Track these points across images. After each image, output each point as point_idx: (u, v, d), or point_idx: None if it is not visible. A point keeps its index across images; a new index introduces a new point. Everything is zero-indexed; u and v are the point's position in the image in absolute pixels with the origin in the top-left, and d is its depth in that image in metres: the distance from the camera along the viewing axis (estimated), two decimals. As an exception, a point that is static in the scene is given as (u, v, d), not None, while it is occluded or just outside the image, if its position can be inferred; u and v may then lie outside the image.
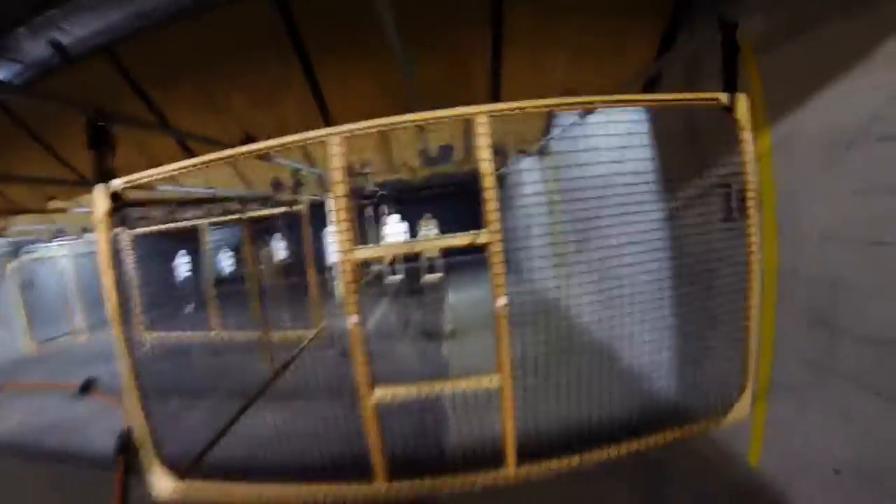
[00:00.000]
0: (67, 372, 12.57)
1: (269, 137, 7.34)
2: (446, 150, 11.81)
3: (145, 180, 3.84)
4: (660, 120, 6.59)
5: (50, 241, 17.48)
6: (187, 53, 6.31)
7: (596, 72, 6.60)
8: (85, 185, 6.91)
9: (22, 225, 13.65)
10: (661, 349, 5.75)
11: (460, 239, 3.53)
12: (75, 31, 7.78)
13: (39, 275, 17.92)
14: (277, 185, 12.56)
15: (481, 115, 3.48)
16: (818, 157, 4.13)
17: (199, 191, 10.33)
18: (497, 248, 3.45)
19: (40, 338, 16.66)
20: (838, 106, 3.93)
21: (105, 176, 3.83)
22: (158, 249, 19.53)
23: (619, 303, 4.86)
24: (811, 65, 4.12)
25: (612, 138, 5.12)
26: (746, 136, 3.95)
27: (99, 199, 3.77)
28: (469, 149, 12.07)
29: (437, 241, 3.64)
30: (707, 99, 3.95)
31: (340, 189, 3.41)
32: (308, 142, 3.52)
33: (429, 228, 20.72)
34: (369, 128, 3.53)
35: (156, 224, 13.33)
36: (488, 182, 3.45)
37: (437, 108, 5.45)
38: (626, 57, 6.38)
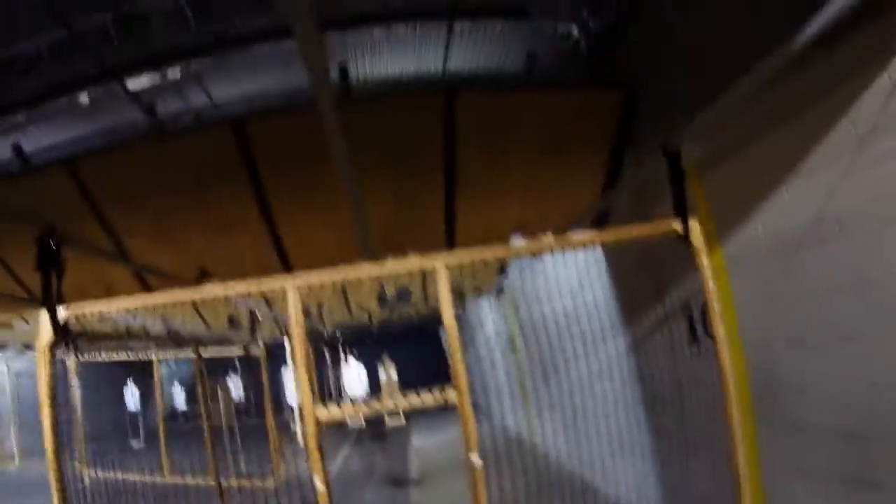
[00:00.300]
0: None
1: (224, 274, 7.26)
2: (404, 293, 11.76)
3: (95, 312, 3.58)
4: (614, 249, 6.62)
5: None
6: (147, 178, 6.22)
7: (547, 207, 6.78)
8: (32, 302, 6.50)
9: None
10: (642, 478, 5.51)
11: (428, 398, 3.33)
12: (40, 140, 7.75)
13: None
14: (233, 322, 12.31)
15: (440, 267, 3.41)
16: (770, 264, 4.14)
17: (153, 324, 9.94)
18: (466, 405, 3.27)
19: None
20: (782, 212, 3.97)
21: (51, 301, 3.47)
22: (107, 377, 18.73)
23: (592, 435, 4.66)
24: (753, 176, 4.20)
25: (570, 271, 5.09)
26: (703, 260, 3.95)
27: (43, 328, 3.41)
28: (426, 291, 12.07)
29: (406, 400, 3.35)
30: (662, 229, 3.96)
31: (299, 342, 3.25)
32: (264, 291, 3.36)
33: (388, 370, 20.53)
34: (328, 278, 3.40)
35: (105, 350, 12.69)
36: (453, 336, 3.32)
37: (393, 248, 5.39)
38: (574, 191, 6.58)
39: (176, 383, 24.61)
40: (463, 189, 6.48)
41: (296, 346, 3.23)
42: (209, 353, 11.19)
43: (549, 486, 8.20)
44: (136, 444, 18.88)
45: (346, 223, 6.31)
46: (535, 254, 3.75)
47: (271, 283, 3.28)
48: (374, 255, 5.99)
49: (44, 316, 3.45)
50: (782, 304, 4.11)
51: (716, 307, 4.00)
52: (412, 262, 3.46)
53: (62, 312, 3.48)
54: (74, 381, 11.94)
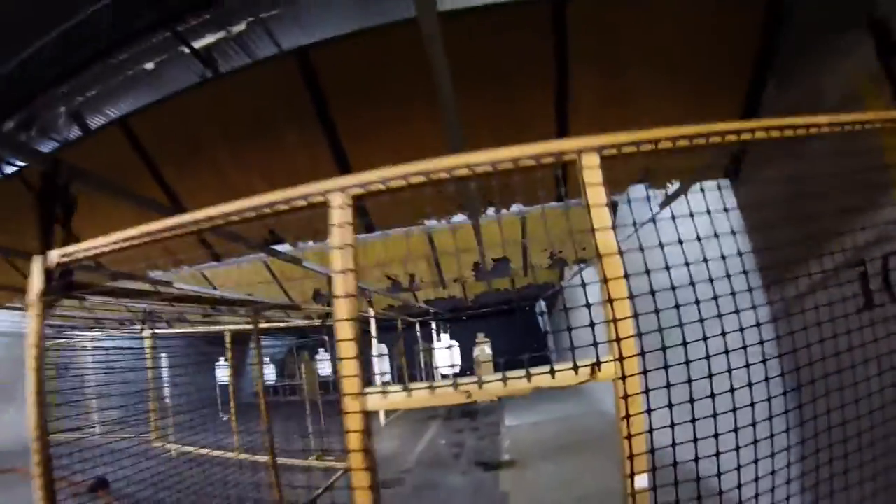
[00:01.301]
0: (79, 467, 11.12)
1: (295, 231, 6.54)
2: (502, 264, 10.92)
3: (91, 250, 2.65)
4: (752, 197, 5.49)
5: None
6: (203, 128, 5.56)
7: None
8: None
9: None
10: (782, 480, 4.17)
11: (567, 376, 2.08)
12: (101, 109, 7.34)
13: (76, 361, 16.73)
14: (319, 296, 11.77)
15: (589, 154, 2.21)
16: None
17: (198, 290, 8.91)
18: (634, 385, 2.03)
19: (61, 426, 15.27)
20: None
21: (46, 243, 2.83)
22: (203, 352, 18.85)
23: (715, 424, 3.35)
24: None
25: (691, 227, 3.84)
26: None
27: (34, 275, 2.67)
28: (526, 261, 11.15)
29: (523, 384, 2.03)
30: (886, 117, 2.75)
31: (344, 284, 2.06)
32: (294, 202, 2.27)
33: (482, 347, 19.72)
34: (397, 174, 2.28)
35: (188, 325, 12.30)
36: (611, 266, 2.11)
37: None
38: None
39: (266, 359, 24.92)
40: (574, 119, 5.42)
41: (337, 287, 2.05)
42: (293, 324, 10.74)
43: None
44: (225, 417, 18.90)
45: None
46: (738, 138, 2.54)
47: (307, 189, 2.21)
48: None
49: (36, 262, 2.68)
50: None
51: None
52: (541, 147, 2.29)
53: (54, 256, 2.63)
54: (149, 352, 11.56)
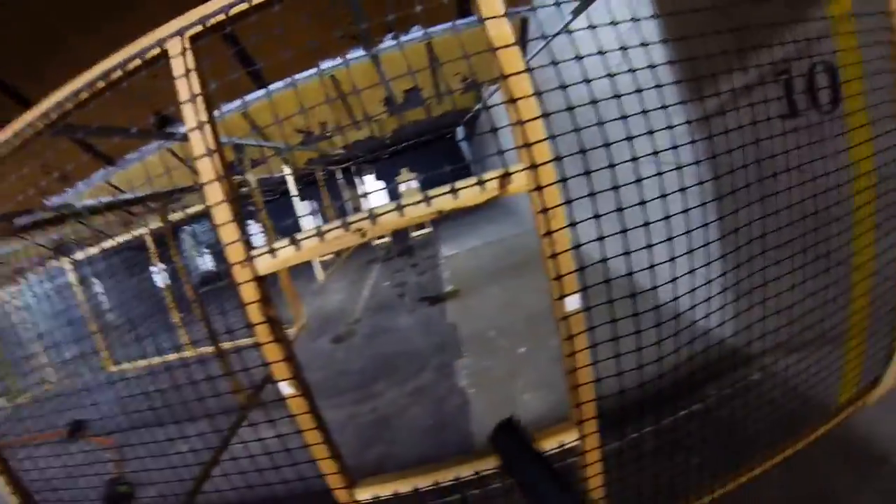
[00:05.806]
0: (49, 421, 10.82)
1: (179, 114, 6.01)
2: (414, 94, 10.54)
3: None
4: (672, 4, 5.18)
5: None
6: (45, 16, 4.65)
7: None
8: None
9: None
10: (706, 284, 4.15)
11: (471, 193, 1.83)
12: None
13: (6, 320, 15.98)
14: (231, 167, 11.30)
15: None
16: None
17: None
18: (552, 196, 1.81)
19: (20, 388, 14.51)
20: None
21: None
22: (134, 262, 18.37)
23: (641, 235, 3.26)
24: None
25: (608, 44, 3.58)
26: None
27: None
28: (438, 88, 10.80)
29: (422, 209, 1.81)
30: None
31: (203, 140, 1.79)
32: (134, 62, 1.94)
33: (409, 182, 19.54)
34: (237, 2, 1.84)
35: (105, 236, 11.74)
36: (509, 59, 1.81)
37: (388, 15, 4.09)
38: None
39: (204, 248, 24.73)
40: None
41: (196, 145, 1.80)
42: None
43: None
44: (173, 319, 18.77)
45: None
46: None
47: (141, 44, 1.87)
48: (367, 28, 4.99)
49: None
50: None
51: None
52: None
53: None
54: (76, 280, 11.19)
